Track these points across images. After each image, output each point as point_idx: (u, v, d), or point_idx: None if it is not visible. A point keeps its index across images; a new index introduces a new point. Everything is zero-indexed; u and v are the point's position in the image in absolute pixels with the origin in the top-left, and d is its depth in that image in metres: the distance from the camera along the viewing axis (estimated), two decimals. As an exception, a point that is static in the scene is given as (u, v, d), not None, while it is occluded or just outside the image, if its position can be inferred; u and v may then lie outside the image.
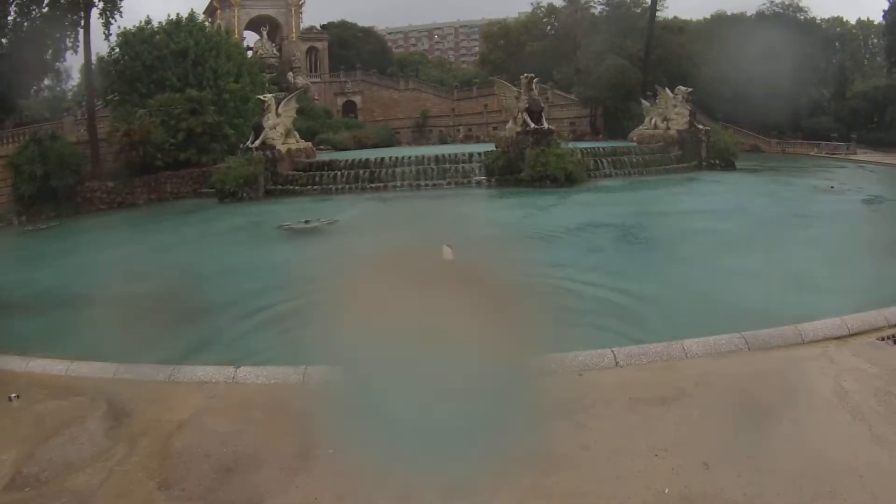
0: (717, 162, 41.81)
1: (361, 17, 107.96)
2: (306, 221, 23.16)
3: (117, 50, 47.47)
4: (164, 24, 48.22)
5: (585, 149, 38.86)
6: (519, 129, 37.03)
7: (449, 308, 8.06)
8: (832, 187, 32.49)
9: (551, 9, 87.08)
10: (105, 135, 43.44)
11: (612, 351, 8.17)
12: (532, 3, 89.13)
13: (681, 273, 14.52)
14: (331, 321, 11.50)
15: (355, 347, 7.76)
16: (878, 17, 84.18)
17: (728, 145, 43.37)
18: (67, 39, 49.37)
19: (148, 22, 48.32)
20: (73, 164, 40.57)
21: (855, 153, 58.18)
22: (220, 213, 32.56)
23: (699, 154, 41.80)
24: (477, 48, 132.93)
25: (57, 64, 54.18)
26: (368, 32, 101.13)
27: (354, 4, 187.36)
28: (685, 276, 14.14)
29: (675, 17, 77.55)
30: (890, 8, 68.60)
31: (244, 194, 35.81)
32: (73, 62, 52.49)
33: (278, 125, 39.04)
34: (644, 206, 27.45)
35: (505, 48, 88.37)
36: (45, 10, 48.28)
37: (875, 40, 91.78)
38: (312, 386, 7.88)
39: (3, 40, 49.57)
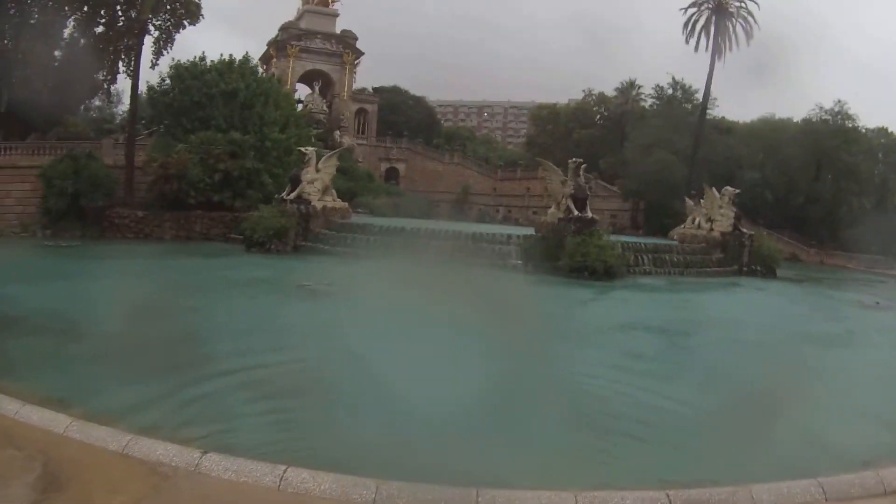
0: (759, 268, 40.60)
1: (414, 85, 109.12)
2: (327, 284, 22.35)
3: (168, 81, 48.00)
4: (216, 62, 48.54)
5: (627, 243, 37.86)
6: (561, 215, 36.02)
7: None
8: (877, 303, 31.48)
9: (602, 97, 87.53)
10: (142, 163, 43.43)
11: (667, 495, 6.81)
12: (583, 91, 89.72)
13: (738, 390, 13.13)
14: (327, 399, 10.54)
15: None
16: None
17: (771, 251, 42.27)
18: (120, 62, 50.22)
19: (202, 58, 48.68)
20: (104, 187, 40.59)
21: (892, 268, 57.09)
22: (244, 262, 31.86)
23: (741, 259, 40.68)
24: (524, 130, 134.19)
25: (109, 86, 55.16)
26: (419, 101, 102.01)
27: (407, 72, 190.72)
28: (743, 393, 12.76)
29: (724, 118, 77.55)
30: None
31: (272, 246, 35.06)
32: (125, 85, 53.15)
33: (316, 180, 38.48)
34: (690, 312, 26.26)
35: (552, 133, 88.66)
36: (101, 29, 49.06)
37: None
38: (289, 495, 6.43)
39: (57, 52, 50.42)
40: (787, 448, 9.20)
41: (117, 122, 69.83)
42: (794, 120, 77.52)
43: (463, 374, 11.34)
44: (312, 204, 37.78)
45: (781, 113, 79.30)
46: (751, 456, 8.59)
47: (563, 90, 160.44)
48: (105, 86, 54.61)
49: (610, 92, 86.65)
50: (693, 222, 44.83)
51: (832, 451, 9.01)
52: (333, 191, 40.41)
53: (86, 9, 47.80)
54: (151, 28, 47.31)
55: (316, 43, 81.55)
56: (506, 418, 9.70)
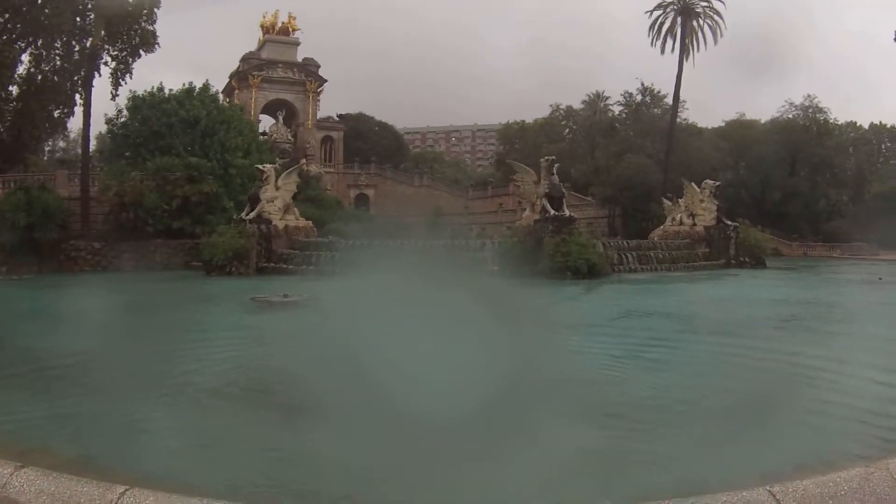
0: (747, 259, 39.38)
1: (379, 112, 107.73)
2: (285, 295, 20.37)
3: (125, 112, 46.77)
4: (176, 92, 47.45)
5: (609, 241, 36.31)
6: (537, 216, 34.39)
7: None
8: (880, 279, 31.27)
9: (569, 111, 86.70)
10: (98, 193, 41.90)
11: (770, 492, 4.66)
12: (550, 106, 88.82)
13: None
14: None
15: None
16: (890, 121, 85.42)
17: (759, 241, 41.43)
18: (77, 95, 49.09)
19: (160, 88, 47.70)
20: (58, 218, 38.94)
21: (877, 254, 57.49)
22: (203, 283, 30.24)
23: (728, 251, 39.43)
24: (493, 151, 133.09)
25: (66, 120, 54.23)
26: (385, 127, 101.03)
27: (373, 99, 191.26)
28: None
29: (694, 123, 77.04)
30: None
31: (233, 269, 33.19)
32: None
33: (276, 199, 36.64)
34: (696, 296, 25.02)
35: (521, 150, 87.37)
36: (58, 63, 48.13)
37: (888, 143, 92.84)
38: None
39: (12, 89, 48.90)
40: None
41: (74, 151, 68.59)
42: (763, 121, 77.79)
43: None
44: (274, 223, 35.93)
45: (751, 114, 79.65)
46: None
47: (530, 111, 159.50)
48: (63, 121, 53.47)
49: (577, 105, 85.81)
50: (673, 220, 43.44)
51: None
52: (295, 209, 38.64)
53: (40, 42, 46.51)
54: (108, 59, 46.53)
55: (278, 72, 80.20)
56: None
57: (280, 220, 36.51)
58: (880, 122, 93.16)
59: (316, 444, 6.93)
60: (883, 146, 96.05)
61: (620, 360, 11.44)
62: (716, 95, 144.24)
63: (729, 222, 41.24)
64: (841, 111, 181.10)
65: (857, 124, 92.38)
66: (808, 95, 75.75)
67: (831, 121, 75.70)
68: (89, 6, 46.22)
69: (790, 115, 74.51)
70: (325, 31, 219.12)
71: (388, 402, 7.92)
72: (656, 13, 65.96)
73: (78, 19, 47.05)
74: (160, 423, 7.76)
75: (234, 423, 8.09)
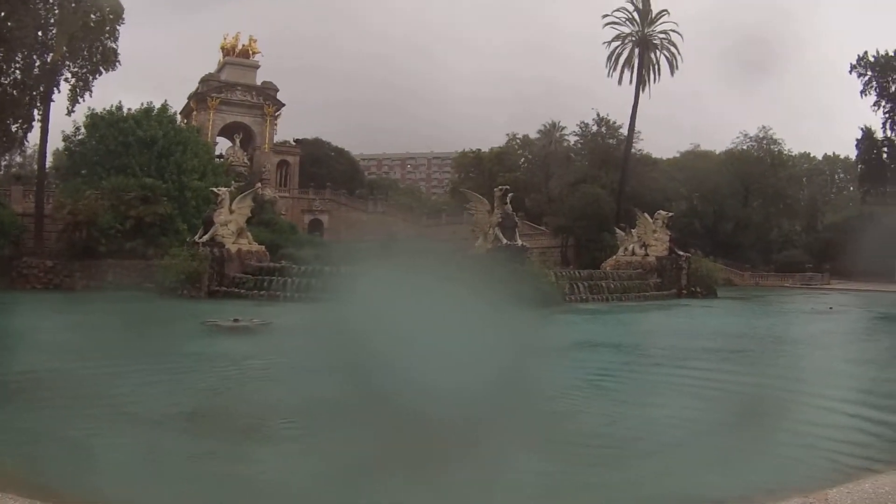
0: (698, 289, 39.83)
1: (336, 138, 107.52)
2: (235, 320, 20.07)
3: (83, 130, 46.63)
4: (134, 111, 47.33)
5: (560, 271, 36.37)
6: (490, 245, 34.42)
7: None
8: (830, 308, 31.80)
9: (526, 140, 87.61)
10: (52, 211, 41.38)
11: None
12: (507, 135, 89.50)
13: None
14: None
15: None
16: (843, 152, 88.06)
17: (710, 271, 41.80)
18: (35, 111, 47.66)
19: (119, 107, 47.56)
20: (11, 235, 38.40)
21: (829, 283, 59.20)
22: (154, 305, 29.83)
23: (679, 281, 39.82)
24: (449, 179, 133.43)
25: (25, 135, 52.72)
26: (341, 153, 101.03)
27: (329, 126, 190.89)
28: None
29: (648, 154, 78.07)
30: (862, 137, 70.31)
31: (184, 292, 32.65)
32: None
33: (230, 222, 36.16)
34: (646, 327, 25.36)
35: (476, 178, 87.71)
36: (18, 76, 46.81)
37: (842, 174, 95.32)
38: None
39: None
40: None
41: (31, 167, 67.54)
42: (718, 152, 79.12)
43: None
44: (227, 247, 35.44)
45: (707, 145, 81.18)
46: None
47: (486, 141, 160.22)
48: (21, 135, 52.29)
49: (534, 134, 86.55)
50: (626, 251, 43.78)
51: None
52: (249, 233, 38.13)
53: (0, 55, 45.64)
54: (69, 74, 45.62)
55: (236, 95, 79.66)
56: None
57: (233, 243, 36.03)
58: (834, 154, 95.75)
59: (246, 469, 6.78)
60: (836, 177, 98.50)
61: (570, 390, 11.40)
62: (672, 126, 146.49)
63: (681, 253, 41.68)
64: (798, 142, 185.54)
65: (811, 155, 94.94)
66: (763, 127, 77.72)
67: (785, 152, 77.73)
68: (52, 21, 45.55)
69: (745, 146, 76.13)
70: (284, 55, 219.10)
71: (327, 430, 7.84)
72: (614, 44, 67.01)
73: (40, 33, 46.32)
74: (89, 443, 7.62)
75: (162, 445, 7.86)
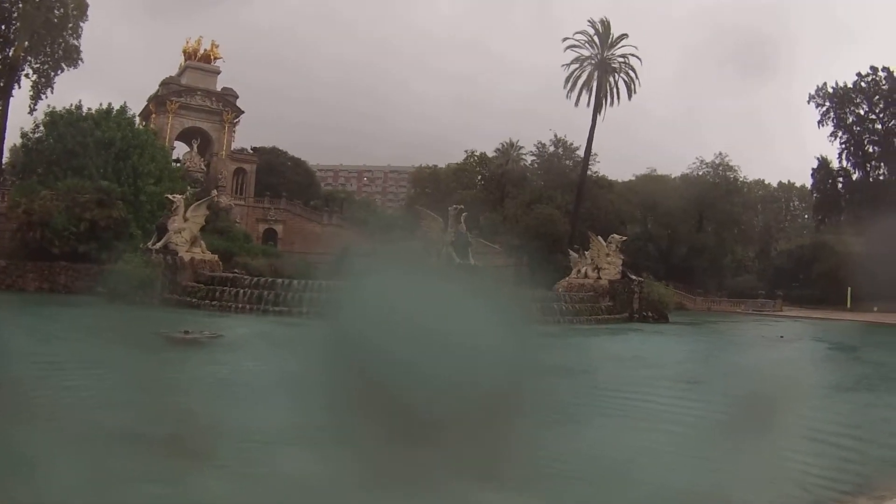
0: (650, 314, 40.12)
1: (293, 148, 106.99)
2: (185, 332, 19.89)
3: (42, 128, 45.95)
4: (93, 111, 46.68)
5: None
6: (443, 263, 34.47)
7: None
8: (781, 336, 32.29)
9: (483, 158, 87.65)
10: (6, 210, 40.83)
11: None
12: (466, 151, 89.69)
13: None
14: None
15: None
16: (799, 180, 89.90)
17: (662, 296, 42.16)
18: None
19: (79, 106, 46.80)
20: None
21: (781, 310, 59.66)
22: (104, 311, 29.48)
23: (631, 305, 40.10)
24: (405, 193, 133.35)
25: None
26: (298, 163, 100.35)
27: (287, 136, 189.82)
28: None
29: (604, 176, 78.67)
30: (818, 166, 71.81)
31: (136, 298, 32.20)
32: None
33: (184, 230, 35.93)
34: (597, 352, 25.25)
35: (432, 194, 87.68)
36: None
37: (796, 202, 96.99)
38: None
39: None
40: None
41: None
42: (673, 176, 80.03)
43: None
44: (180, 255, 35.21)
45: (663, 169, 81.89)
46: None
47: (444, 157, 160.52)
48: None
49: (491, 153, 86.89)
50: (579, 273, 44.03)
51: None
52: (202, 242, 37.87)
53: None
54: (30, 71, 45.71)
55: (196, 100, 79.08)
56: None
57: (186, 251, 35.77)
58: (789, 181, 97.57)
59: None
60: (791, 204, 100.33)
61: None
62: (629, 149, 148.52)
63: (634, 277, 42.03)
64: (753, 170, 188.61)
65: (766, 182, 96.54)
66: (720, 153, 79.09)
67: (740, 179, 78.90)
68: (15, 15, 44.70)
69: (700, 172, 77.20)
70: (244, 63, 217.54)
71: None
72: (573, 66, 67.68)
73: (2, 27, 45.48)
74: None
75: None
